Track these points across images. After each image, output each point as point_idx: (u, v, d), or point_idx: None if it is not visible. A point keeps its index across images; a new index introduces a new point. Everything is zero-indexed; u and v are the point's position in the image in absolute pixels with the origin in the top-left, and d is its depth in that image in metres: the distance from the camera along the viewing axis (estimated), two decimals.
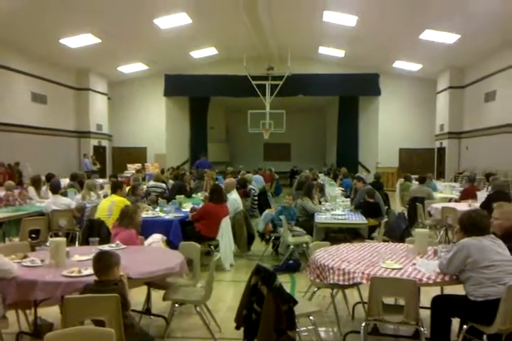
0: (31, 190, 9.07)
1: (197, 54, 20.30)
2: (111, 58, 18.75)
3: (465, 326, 3.67)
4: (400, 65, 19.95)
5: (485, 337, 3.53)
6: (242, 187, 10.48)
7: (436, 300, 3.89)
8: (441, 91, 20.02)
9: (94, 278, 3.45)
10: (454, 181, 16.24)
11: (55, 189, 8.07)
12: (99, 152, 20.64)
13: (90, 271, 3.61)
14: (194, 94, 22.77)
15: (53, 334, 2.53)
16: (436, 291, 4.30)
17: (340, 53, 20.02)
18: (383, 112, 22.07)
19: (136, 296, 4.92)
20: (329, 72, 21.20)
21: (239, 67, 19.72)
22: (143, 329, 3.70)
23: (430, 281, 3.69)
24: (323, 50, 20.20)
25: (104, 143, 21.46)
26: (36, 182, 9.42)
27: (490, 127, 16.19)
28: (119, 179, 11.50)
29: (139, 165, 18.36)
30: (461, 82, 18.85)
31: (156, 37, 16.56)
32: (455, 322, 3.81)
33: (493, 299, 3.50)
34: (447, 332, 3.74)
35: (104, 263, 3.39)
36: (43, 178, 10.29)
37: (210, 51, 20.42)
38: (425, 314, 3.95)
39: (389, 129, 21.84)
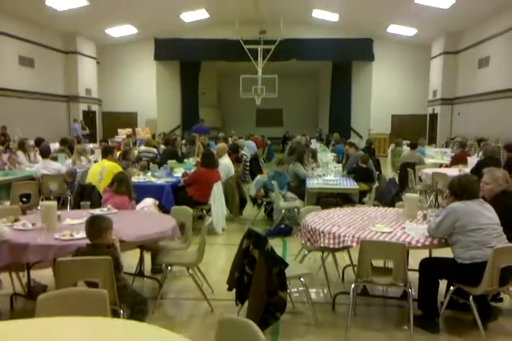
0: (20, 155, 9.00)
1: (188, 17, 19.79)
2: (98, 20, 18.22)
3: (452, 287, 3.76)
4: (394, 29, 19.62)
5: (471, 297, 3.62)
6: (234, 152, 10.47)
7: (424, 262, 3.97)
8: (435, 56, 19.81)
9: (86, 241, 3.47)
10: (445, 147, 16.32)
11: (45, 153, 8.00)
12: (88, 117, 20.39)
13: (82, 234, 3.63)
14: (185, 58, 22.35)
15: (47, 296, 2.55)
16: (424, 254, 4.37)
17: (334, 17, 19.62)
18: (376, 78, 21.87)
19: (130, 259, 4.97)
20: (323, 37, 20.84)
21: (231, 30, 19.32)
22: (136, 290, 3.75)
23: (419, 244, 3.75)
24: (316, 14, 19.77)
25: (94, 107, 21.15)
26: (21, 146, 9.31)
27: (482, 93, 16.14)
28: (110, 144, 11.41)
29: (130, 130, 18.19)
30: (455, 48, 18.63)
31: None
32: (442, 283, 3.90)
33: (480, 262, 3.57)
34: (434, 294, 3.84)
35: (97, 227, 3.41)
36: (32, 143, 10.18)
37: (201, 14, 19.90)
38: (413, 276, 4.03)
39: (382, 95, 21.70)
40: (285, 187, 7.66)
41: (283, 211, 7.02)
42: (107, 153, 6.90)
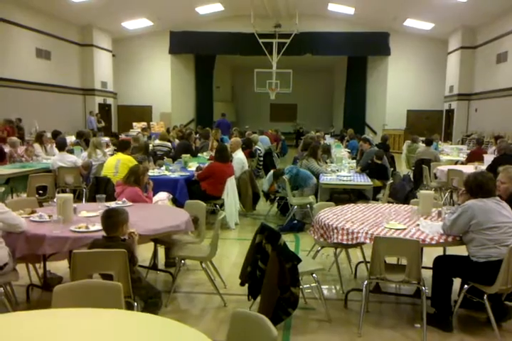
0: (37, 147, 9.10)
1: (203, 10, 19.79)
2: (115, 13, 18.31)
3: (466, 286, 3.73)
4: (411, 23, 19.41)
5: (485, 296, 3.59)
6: (248, 147, 10.47)
7: (438, 260, 3.94)
8: (452, 51, 19.57)
9: (101, 233, 3.50)
10: (461, 144, 16.15)
11: (62, 146, 8.07)
12: (104, 110, 20.52)
13: (98, 226, 3.67)
14: (200, 51, 22.35)
15: (62, 287, 2.58)
16: (438, 252, 4.35)
17: (350, 10, 19.45)
18: (392, 73, 21.67)
19: (143, 252, 5.01)
20: (338, 31, 20.68)
21: (246, 24, 19.26)
22: (150, 283, 3.78)
23: (433, 242, 3.72)
24: (332, 7, 19.62)
25: (109, 101, 21.28)
26: (39, 138, 9.41)
27: (500, 89, 15.92)
28: (125, 137, 11.47)
29: (145, 123, 18.26)
30: (473, 43, 18.38)
31: None
32: (456, 281, 3.88)
33: (495, 260, 3.54)
34: (448, 292, 3.81)
35: (113, 220, 3.44)
36: (49, 135, 10.28)
37: (216, 7, 19.88)
38: (427, 274, 4.01)
39: (397, 90, 21.50)
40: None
41: (295, 207, 7.01)
42: (124, 147, 6.94)
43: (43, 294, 4.35)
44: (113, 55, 21.36)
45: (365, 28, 20.57)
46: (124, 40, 21.53)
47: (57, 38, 17.61)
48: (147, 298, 3.51)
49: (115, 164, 6.60)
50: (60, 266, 4.60)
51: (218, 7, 19.91)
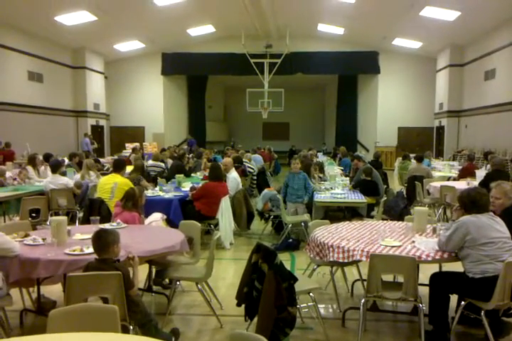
0: (30, 169, 9.06)
1: (194, 32, 20.04)
2: (107, 36, 18.51)
3: (463, 302, 3.72)
4: (399, 42, 19.74)
5: (482, 312, 3.58)
6: (239, 164, 10.46)
7: (434, 277, 3.93)
8: (441, 69, 19.87)
9: (95, 256, 3.47)
10: (452, 160, 16.27)
11: (55, 168, 8.03)
12: (97, 131, 20.55)
13: (92, 249, 3.63)
14: (192, 72, 22.58)
15: (58, 311, 2.55)
16: (434, 268, 4.34)
17: (339, 31, 19.77)
18: (382, 91, 21.94)
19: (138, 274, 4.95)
20: (328, 50, 21.00)
21: (237, 45, 19.52)
22: (147, 309, 3.71)
23: (429, 258, 3.72)
24: (322, 28, 19.95)
25: (102, 122, 21.33)
26: (32, 161, 9.38)
27: (489, 105, 16.13)
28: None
29: (137, 144, 18.26)
30: (461, 60, 18.69)
31: (152, 14, 16.32)
32: (453, 298, 3.86)
33: (491, 276, 3.54)
34: (445, 309, 3.80)
35: (103, 241, 3.41)
36: (41, 158, 10.25)
37: (208, 29, 20.15)
38: (424, 291, 4.00)
39: (388, 108, 21.75)
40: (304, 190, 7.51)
41: (289, 225, 7.00)
42: (120, 167, 6.87)
43: (36, 319, 4.29)
44: (105, 77, 21.49)
45: (354, 47, 20.89)
46: (117, 62, 21.70)
47: (50, 61, 17.71)
48: (141, 323, 3.45)
49: (111, 188, 6.51)
50: (53, 290, 4.54)
51: (210, 29, 20.18)
